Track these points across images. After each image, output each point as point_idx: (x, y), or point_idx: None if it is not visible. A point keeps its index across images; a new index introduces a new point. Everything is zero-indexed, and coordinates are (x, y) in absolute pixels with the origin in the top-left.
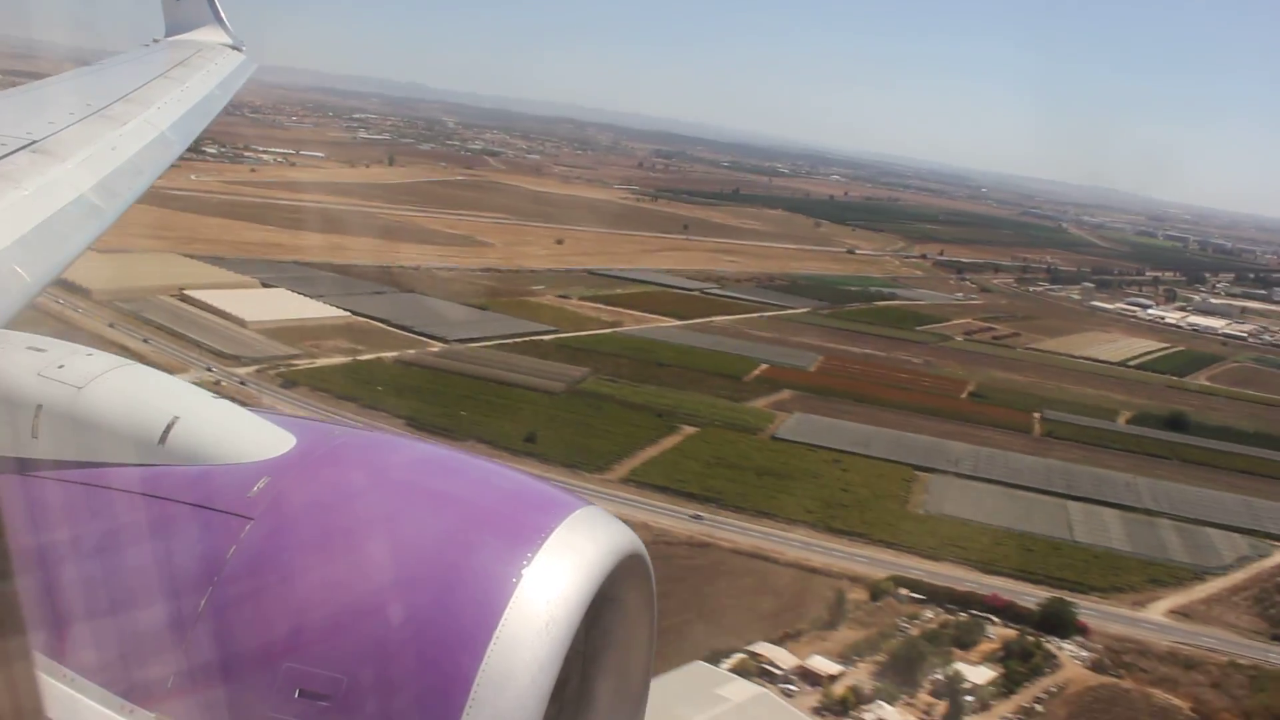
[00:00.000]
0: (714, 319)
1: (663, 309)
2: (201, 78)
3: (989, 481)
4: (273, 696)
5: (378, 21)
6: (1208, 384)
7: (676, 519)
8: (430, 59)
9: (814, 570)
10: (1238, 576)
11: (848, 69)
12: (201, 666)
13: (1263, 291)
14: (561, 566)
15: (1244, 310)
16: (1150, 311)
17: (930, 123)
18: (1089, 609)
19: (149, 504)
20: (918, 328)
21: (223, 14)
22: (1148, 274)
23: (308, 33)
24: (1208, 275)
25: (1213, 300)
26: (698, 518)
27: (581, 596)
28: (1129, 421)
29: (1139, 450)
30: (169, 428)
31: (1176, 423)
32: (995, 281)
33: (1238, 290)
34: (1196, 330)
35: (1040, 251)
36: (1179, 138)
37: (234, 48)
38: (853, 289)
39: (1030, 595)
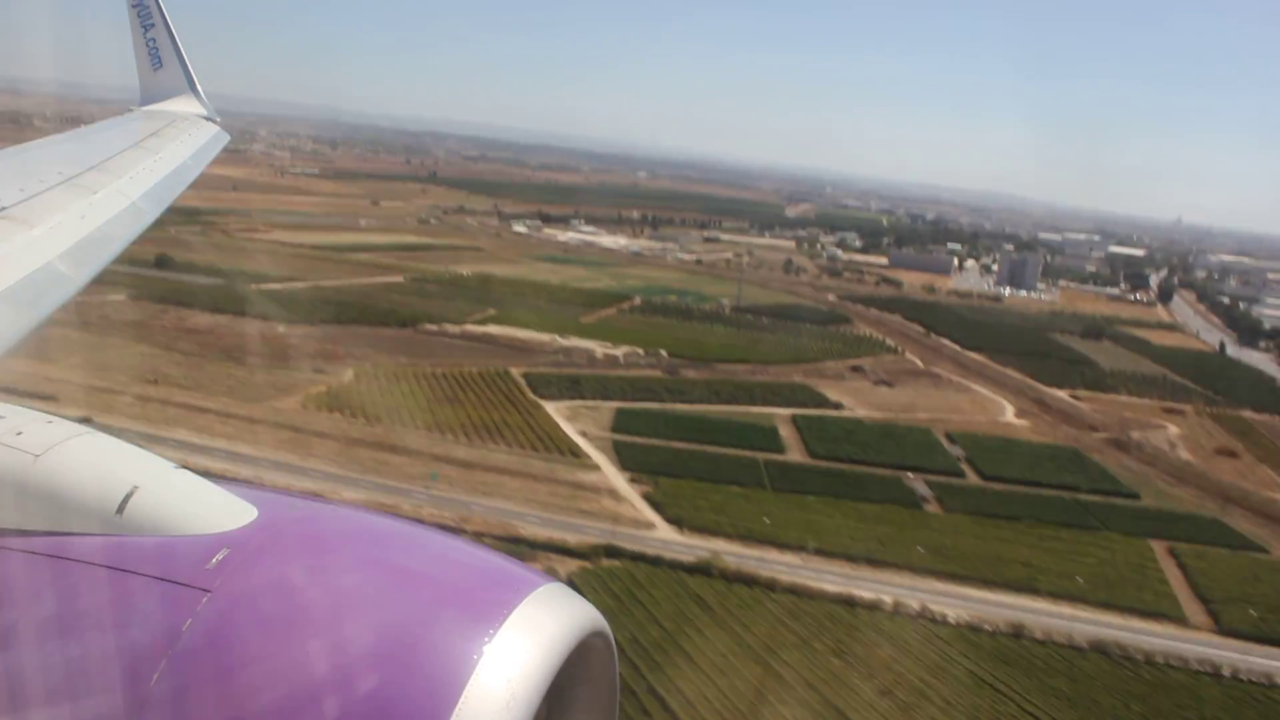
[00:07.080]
0: None
1: None
2: (175, 148)
3: None
4: None
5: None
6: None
7: None
8: (384, 86)
9: None
10: None
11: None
12: None
13: (771, 230)
14: (523, 644)
15: (707, 240)
16: (578, 235)
17: (869, 138)
18: None
19: (104, 575)
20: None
21: (199, 86)
22: (723, 223)
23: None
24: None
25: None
26: None
27: (543, 674)
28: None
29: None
30: (128, 497)
31: (159, 263)
32: (470, 220)
33: (753, 230)
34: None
35: (687, 213)
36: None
37: (208, 119)
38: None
39: None
